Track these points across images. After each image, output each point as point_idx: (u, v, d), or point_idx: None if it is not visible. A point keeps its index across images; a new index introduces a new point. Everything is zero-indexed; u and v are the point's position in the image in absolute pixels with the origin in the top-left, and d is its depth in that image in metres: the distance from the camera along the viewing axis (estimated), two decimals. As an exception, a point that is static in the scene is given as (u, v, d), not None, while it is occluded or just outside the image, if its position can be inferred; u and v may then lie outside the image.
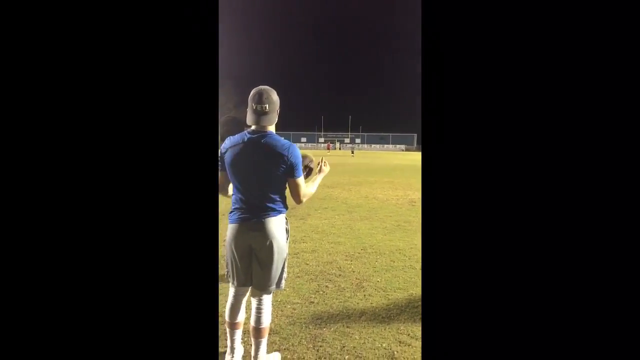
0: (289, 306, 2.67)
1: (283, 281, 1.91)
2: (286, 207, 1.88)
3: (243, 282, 1.88)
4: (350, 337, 2.27)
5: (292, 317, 2.51)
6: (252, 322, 1.91)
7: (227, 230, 1.87)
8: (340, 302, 2.76)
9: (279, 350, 2.12)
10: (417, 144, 68.60)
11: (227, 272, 1.91)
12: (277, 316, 2.47)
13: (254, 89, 1.80)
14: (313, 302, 2.74)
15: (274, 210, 1.80)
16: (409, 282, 3.16)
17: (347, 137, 71.77)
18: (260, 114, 1.75)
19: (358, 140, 70.96)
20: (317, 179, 2.02)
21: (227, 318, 1.96)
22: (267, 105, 1.75)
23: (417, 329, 2.36)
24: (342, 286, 3.05)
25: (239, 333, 1.98)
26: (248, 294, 1.98)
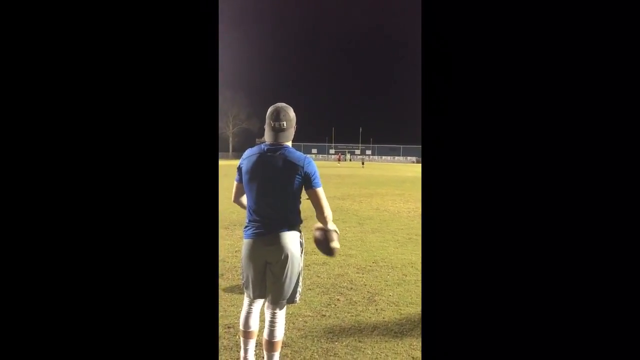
0: (300, 319, 2.66)
1: (298, 295, 1.91)
2: (301, 221, 1.89)
3: (258, 295, 1.90)
4: (363, 352, 2.24)
5: (303, 330, 2.50)
6: (265, 335, 1.91)
7: (241, 242, 1.90)
8: (352, 315, 2.74)
9: (290, 364, 2.10)
10: (428, 156, 68.11)
11: (243, 283, 1.94)
12: (289, 329, 2.47)
13: (272, 107, 1.85)
14: (325, 316, 2.72)
15: (288, 223, 1.81)
16: (421, 297, 3.12)
17: (358, 149, 71.77)
18: (277, 131, 1.81)
19: (369, 152, 70.89)
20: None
21: (241, 327, 1.98)
22: (284, 123, 1.81)
23: (430, 345, 2.33)
24: (354, 300, 3.03)
25: (252, 343, 1.98)
26: (262, 303, 1.99)
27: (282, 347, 2.16)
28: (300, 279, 1.91)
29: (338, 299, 3.02)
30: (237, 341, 1.98)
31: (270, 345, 1.89)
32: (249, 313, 1.96)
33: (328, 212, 1.87)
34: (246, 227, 1.87)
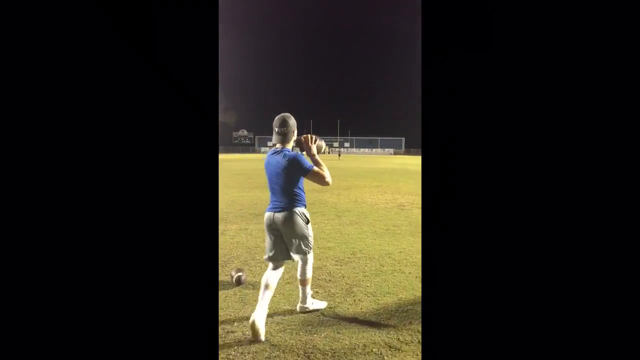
0: (279, 313, 2.67)
1: (308, 250, 2.60)
2: (304, 202, 2.57)
3: (271, 257, 2.59)
4: (341, 342, 2.27)
5: (282, 324, 2.51)
6: (298, 276, 2.68)
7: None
8: (331, 307, 2.76)
9: (269, 359, 2.11)
10: (405, 147, 69.16)
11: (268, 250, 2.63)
12: (267, 323, 2.47)
13: (278, 116, 2.53)
14: (303, 309, 2.74)
15: (292, 203, 2.51)
16: (398, 287, 3.18)
17: (336, 141, 71.94)
18: (280, 135, 2.51)
19: (347, 144, 71.19)
20: (319, 160, 2.57)
21: (263, 282, 2.52)
22: (284, 128, 2.49)
23: (407, 333, 2.38)
24: (333, 292, 3.06)
25: (268, 295, 2.48)
26: (280, 268, 2.64)
27: (259, 343, 2.27)
28: (309, 241, 2.59)
29: (317, 292, 3.04)
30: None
31: (302, 282, 2.68)
32: (269, 272, 2.58)
33: (323, 172, 2.49)
34: (269, 205, 2.59)
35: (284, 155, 2.45)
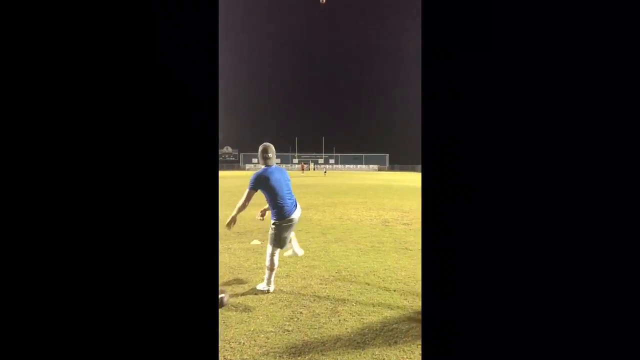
0: (262, 335, 2.61)
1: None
2: (279, 213, 3.48)
3: (282, 246, 3.50)
4: (326, 365, 2.23)
5: (265, 347, 2.45)
6: (286, 255, 3.99)
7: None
8: (315, 328, 2.72)
9: (252, 383, 2.05)
10: (389, 163, 69.92)
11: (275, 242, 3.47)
12: (250, 347, 2.41)
13: (265, 145, 3.52)
14: (288, 330, 2.69)
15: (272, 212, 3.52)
16: (383, 305, 3.17)
17: (321, 158, 72.27)
18: (273, 158, 3.51)
19: (332, 161, 71.55)
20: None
21: (273, 265, 3.46)
22: (273, 154, 3.51)
23: (392, 353, 2.36)
24: (317, 312, 3.02)
25: (273, 274, 3.48)
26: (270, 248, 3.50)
27: (242, 366, 2.14)
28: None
29: (301, 312, 2.99)
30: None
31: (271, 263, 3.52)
32: (275, 257, 3.46)
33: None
34: (291, 210, 3.55)
35: (284, 170, 3.61)
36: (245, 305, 3.16)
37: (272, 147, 3.49)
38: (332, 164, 70.17)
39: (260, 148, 3.49)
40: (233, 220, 3.34)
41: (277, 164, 3.57)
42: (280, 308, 3.09)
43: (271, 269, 3.45)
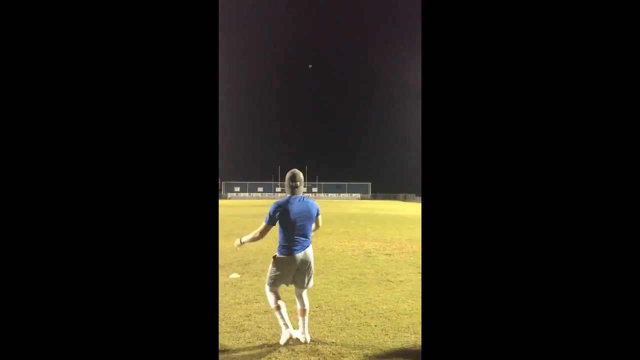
0: (238, 378, 2.49)
1: (311, 281, 3.18)
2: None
3: (283, 283, 3.11)
4: (303, 409, 2.13)
5: (241, 390, 2.34)
6: (304, 306, 3.13)
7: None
8: (294, 369, 2.62)
9: None
10: (371, 192, 70.55)
11: (275, 279, 3.08)
12: (224, 391, 2.29)
13: (291, 172, 3.14)
14: (264, 371, 2.58)
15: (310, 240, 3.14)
16: (363, 341, 3.10)
17: (305, 187, 72.32)
18: (297, 187, 3.12)
19: (315, 190, 71.69)
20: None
21: (278, 305, 3.07)
22: (298, 182, 3.12)
23: (372, 395, 2.28)
24: (297, 350, 2.92)
25: (284, 312, 3.06)
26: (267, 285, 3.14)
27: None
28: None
29: (280, 351, 2.89)
30: None
31: (303, 312, 3.12)
32: (274, 294, 3.09)
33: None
34: (292, 247, 3.07)
35: (311, 203, 3.11)
36: (221, 345, 3.03)
37: (300, 175, 3.08)
38: (315, 192, 70.32)
39: (288, 175, 3.08)
40: (242, 243, 3.12)
41: (293, 194, 3.06)
42: (259, 347, 2.98)
43: (277, 308, 3.04)
